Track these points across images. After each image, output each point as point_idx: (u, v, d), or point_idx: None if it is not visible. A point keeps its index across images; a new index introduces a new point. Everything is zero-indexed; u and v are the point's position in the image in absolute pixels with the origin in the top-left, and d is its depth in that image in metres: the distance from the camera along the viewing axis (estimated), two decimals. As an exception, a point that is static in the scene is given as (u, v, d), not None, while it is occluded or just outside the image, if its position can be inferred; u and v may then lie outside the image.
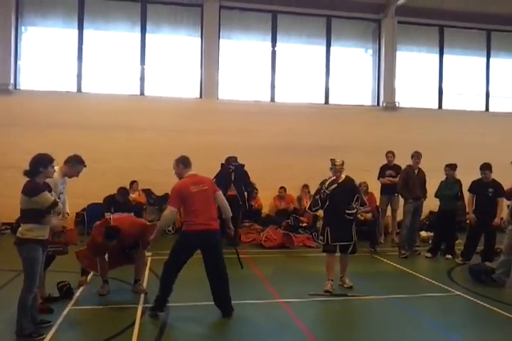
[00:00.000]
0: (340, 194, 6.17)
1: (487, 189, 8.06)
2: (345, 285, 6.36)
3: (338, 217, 6.16)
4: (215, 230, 5.16)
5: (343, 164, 6.28)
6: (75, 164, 5.32)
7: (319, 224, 9.03)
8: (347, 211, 6.16)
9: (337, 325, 5.18)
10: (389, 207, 10.05)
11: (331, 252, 6.30)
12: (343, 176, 6.33)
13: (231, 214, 5.50)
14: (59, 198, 5.12)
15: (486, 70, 13.75)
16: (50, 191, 4.62)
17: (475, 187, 8.31)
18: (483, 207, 8.11)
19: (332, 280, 6.20)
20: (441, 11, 12.91)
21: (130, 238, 5.84)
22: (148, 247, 5.92)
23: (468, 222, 8.43)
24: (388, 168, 9.94)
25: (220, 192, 5.43)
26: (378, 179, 9.93)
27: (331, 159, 6.31)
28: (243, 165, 9.78)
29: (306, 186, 11.53)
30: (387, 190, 9.82)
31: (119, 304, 5.56)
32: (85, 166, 5.38)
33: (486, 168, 8.09)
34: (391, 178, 9.78)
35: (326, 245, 6.27)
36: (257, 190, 11.13)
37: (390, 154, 10.03)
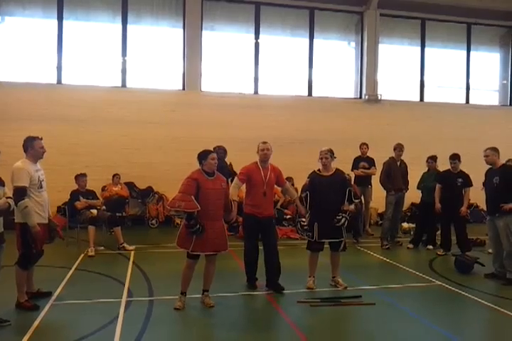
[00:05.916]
0: (329, 188, 5.76)
1: (456, 179, 8.24)
2: (340, 287, 6.01)
3: (326, 213, 5.76)
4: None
5: (329, 151, 5.85)
6: (32, 144, 5.07)
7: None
8: (336, 218, 5.71)
9: (319, 317, 5.22)
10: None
11: (316, 251, 5.99)
12: (333, 168, 5.94)
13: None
14: (41, 187, 5.09)
15: (466, 63, 13.90)
16: None
17: (443, 177, 8.45)
18: (452, 197, 8.25)
19: (314, 276, 6.05)
20: (423, 4, 12.98)
21: (222, 180, 5.24)
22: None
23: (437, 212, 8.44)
24: (362, 160, 10.01)
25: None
26: (352, 170, 9.94)
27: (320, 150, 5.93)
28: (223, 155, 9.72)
29: (289, 178, 11.51)
30: (360, 182, 9.89)
31: (102, 298, 5.51)
32: (41, 138, 5.16)
33: (455, 157, 8.28)
34: (365, 170, 9.87)
35: (312, 243, 5.92)
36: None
37: (365, 146, 10.10)
